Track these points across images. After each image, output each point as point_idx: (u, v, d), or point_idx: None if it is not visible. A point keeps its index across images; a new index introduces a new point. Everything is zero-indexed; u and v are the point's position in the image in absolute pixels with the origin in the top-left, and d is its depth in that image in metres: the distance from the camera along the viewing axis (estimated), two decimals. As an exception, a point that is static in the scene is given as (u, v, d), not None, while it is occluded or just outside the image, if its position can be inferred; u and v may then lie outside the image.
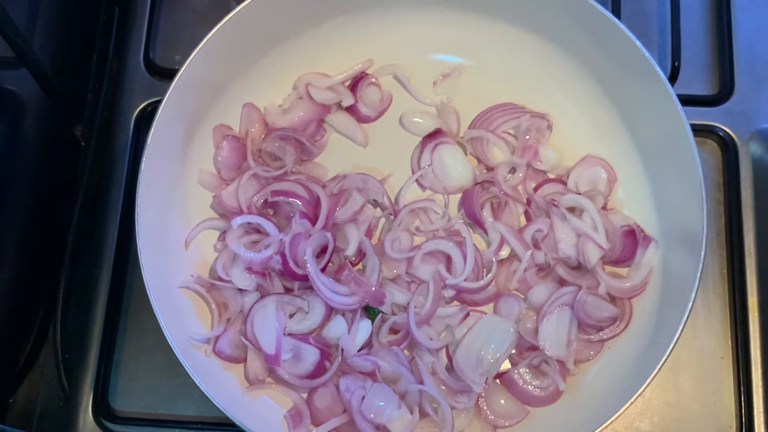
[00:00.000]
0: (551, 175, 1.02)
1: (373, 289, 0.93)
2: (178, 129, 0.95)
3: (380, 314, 0.95)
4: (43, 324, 1.03)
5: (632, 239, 0.95)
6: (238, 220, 0.96)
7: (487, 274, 0.98)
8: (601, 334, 0.94)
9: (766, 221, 1.01)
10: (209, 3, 1.14)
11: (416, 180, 1.02)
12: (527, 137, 1.01)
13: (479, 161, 1.03)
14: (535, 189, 1.00)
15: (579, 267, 0.97)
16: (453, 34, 1.04)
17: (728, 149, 1.05)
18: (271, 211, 1.00)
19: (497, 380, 0.95)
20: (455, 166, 1.02)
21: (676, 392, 0.97)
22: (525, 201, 1.00)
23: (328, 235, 0.95)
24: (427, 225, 1.00)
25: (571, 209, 0.98)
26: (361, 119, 1.05)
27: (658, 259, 0.95)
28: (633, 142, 0.97)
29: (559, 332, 0.93)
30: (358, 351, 0.93)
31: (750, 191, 1.03)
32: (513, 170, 1.02)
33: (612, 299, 0.96)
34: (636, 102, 0.94)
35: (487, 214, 0.99)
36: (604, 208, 0.98)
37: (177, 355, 0.84)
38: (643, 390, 0.82)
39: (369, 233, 0.99)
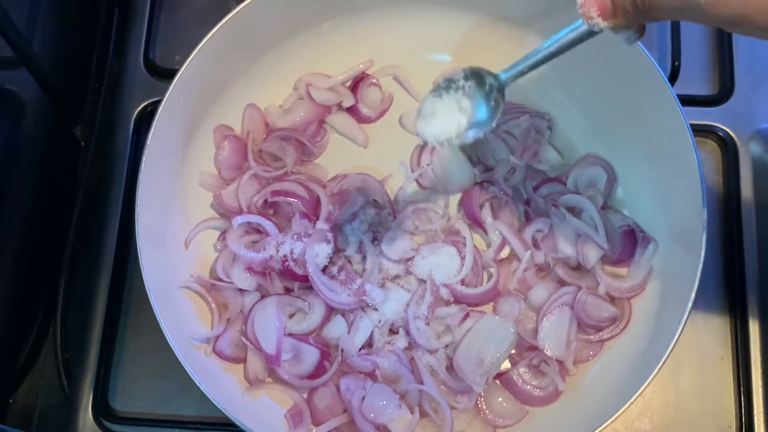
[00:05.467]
0: (551, 175, 1.02)
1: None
2: (178, 129, 0.95)
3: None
4: (43, 324, 1.03)
5: (632, 239, 0.96)
6: (238, 220, 0.96)
7: (486, 275, 0.98)
8: (600, 334, 0.94)
9: (766, 221, 1.02)
10: (209, 3, 1.14)
11: (416, 180, 1.02)
12: (527, 137, 1.01)
13: (479, 161, 1.03)
14: (535, 189, 1.00)
15: (579, 267, 0.97)
16: (453, 34, 1.04)
17: (728, 149, 1.05)
18: (271, 211, 1.00)
19: (497, 380, 0.95)
20: (455, 166, 1.02)
21: (676, 392, 0.97)
22: (525, 201, 1.00)
23: (329, 234, 0.95)
24: (427, 225, 1.00)
25: (571, 209, 0.98)
26: (362, 120, 1.05)
27: (658, 259, 0.95)
28: (633, 141, 0.97)
29: (558, 332, 0.93)
30: (358, 351, 0.93)
31: (750, 191, 1.03)
32: (513, 170, 1.02)
33: (612, 299, 0.96)
34: (636, 102, 0.94)
35: (486, 214, 1.00)
36: (603, 208, 0.99)
37: (177, 355, 0.84)
38: (643, 390, 0.82)
39: (369, 233, 0.99)
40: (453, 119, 0.81)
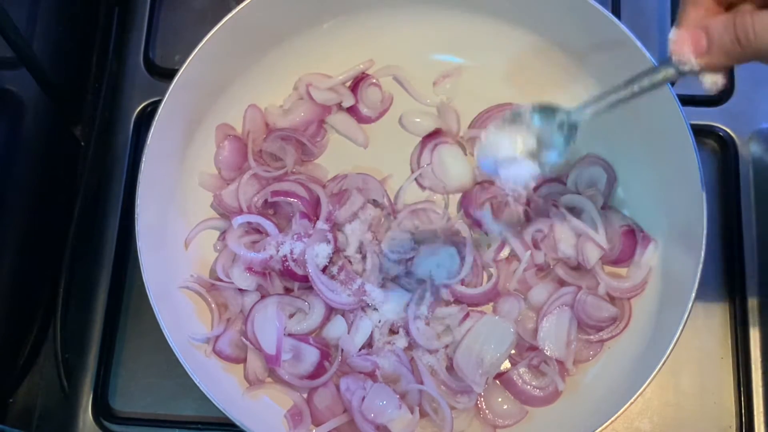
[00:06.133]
0: (551, 175, 1.02)
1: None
2: (178, 129, 0.95)
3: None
4: (43, 324, 1.03)
5: (631, 239, 0.95)
6: (238, 220, 0.96)
7: (486, 275, 0.98)
8: (600, 334, 0.94)
9: (766, 221, 1.01)
10: (209, 3, 1.14)
11: (416, 180, 1.02)
12: (527, 137, 1.01)
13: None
14: (535, 189, 1.00)
15: (578, 267, 0.97)
16: (453, 34, 1.04)
17: (728, 149, 1.05)
18: (271, 211, 1.00)
19: (497, 380, 0.95)
20: (455, 166, 1.02)
21: (676, 392, 0.97)
22: (525, 201, 1.00)
23: (329, 234, 0.95)
24: (427, 225, 1.00)
25: (571, 209, 0.98)
26: (362, 120, 1.05)
27: (658, 259, 0.95)
28: (633, 141, 0.97)
29: (558, 332, 0.93)
30: (358, 351, 0.93)
31: (750, 191, 1.03)
32: (513, 170, 1.01)
33: (611, 299, 0.96)
34: (636, 102, 0.94)
35: (486, 214, 0.99)
36: (603, 208, 0.98)
37: (177, 355, 0.84)
38: (643, 390, 0.82)
39: (369, 233, 0.99)
40: (514, 154, 0.79)
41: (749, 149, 1.05)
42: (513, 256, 0.99)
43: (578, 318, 0.94)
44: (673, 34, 0.66)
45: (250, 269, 0.95)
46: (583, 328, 0.95)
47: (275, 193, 0.98)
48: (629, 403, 0.82)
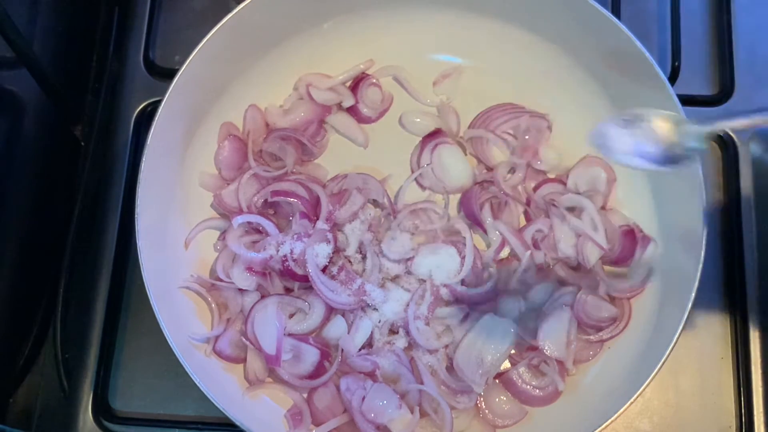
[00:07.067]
0: (551, 175, 1.02)
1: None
2: (178, 129, 0.95)
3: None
4: (43, 324, 1.03)
5: (631, 239, 0.96)
6: (238, 220, 0.96)
7: (486, 275, 0.98)
8: (600, 334, 0.94)
9: (766, 221, 1.01)
10: (209, 3, 1.14)
11: (416, 180, 1.02)
12: (527, 137, 1.01)
13: (479, 161, 1.03)
14: (535, 189, 1.00)
15: (578, 267, 0.97)
16: (453, 34, 1.04)
17: (728, 149, 1.05)
18: (271, 211, 1.00)
19: (497, 380, 0.95)
20: (455, 166, 1.02)
21: (676, 392, 0.97)
22: (525, 201, 1.00)
23: (329, 234, 0.95)
24: (427, 225, 1.00)
25: (571, 209, 0.98)
26: (362, 120, 1.05)
27: (658, 259, 0.94)
28: (633, 142, 0.97)
29: (558, 332, 0.93)
30: (358, 351, 0.93)
31: (750, 191, 1.03)
32: (513, 170, 1.02)
33: (611, 299, 0.96)
34: (636, 102, 0.94)
35: (486, 214, 0.99)
36: (603, 207, 0.98)
37: (177, 355, 0.84)
38: (643, 390, 0.82)
39: (369, 233, 0.99)
40: (633, 148, 0.80)
41: (749, 149, 1.05)
42: (513, 256, 0.99)
43: (578, 318, 0.94)
44: None
45: (250, 269, 0.95)
46: (583, 328, 0.95)
47: (275, 193, 0.98)
48: (629, 403, 0.83)
